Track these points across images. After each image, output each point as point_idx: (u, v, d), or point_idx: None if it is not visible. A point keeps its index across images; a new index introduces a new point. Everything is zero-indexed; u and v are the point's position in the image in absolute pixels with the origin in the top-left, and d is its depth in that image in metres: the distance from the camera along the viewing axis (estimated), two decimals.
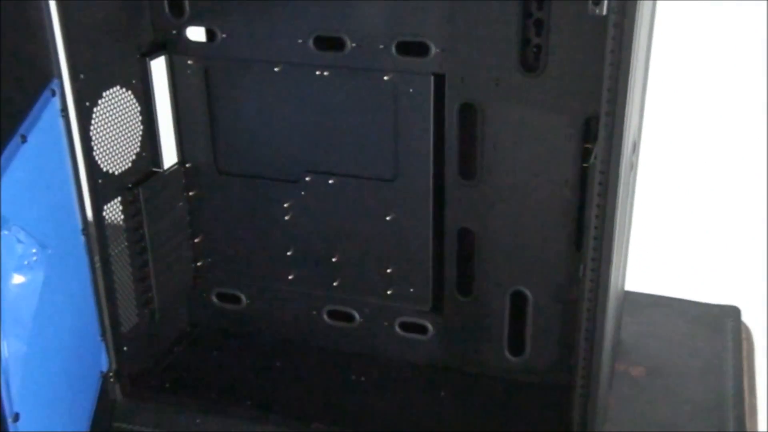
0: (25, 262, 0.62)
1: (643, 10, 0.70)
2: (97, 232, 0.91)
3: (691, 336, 1.09)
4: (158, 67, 0.97)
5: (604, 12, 0.67)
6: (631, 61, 0.68)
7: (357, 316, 1.04)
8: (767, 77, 1.22)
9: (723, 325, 1.11)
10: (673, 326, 1.11)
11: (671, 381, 1.01)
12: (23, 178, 0.69)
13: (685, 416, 0.95)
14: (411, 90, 0.91)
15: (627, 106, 0.70)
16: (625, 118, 0.70)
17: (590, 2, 0.67)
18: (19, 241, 0.61)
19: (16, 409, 0.61)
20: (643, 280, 1.19)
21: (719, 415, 0.95)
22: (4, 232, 0.59)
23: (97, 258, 0.91)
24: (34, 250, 0.63)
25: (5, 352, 0.59)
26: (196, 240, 1.07)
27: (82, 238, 0.88)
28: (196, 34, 0.97)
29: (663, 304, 1.16)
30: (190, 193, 1.05)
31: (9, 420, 0.61)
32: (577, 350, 0.82)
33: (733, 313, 1.13)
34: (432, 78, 0.90)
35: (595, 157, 0.74)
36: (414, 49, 0.90)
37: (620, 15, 0.67)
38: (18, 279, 0.61)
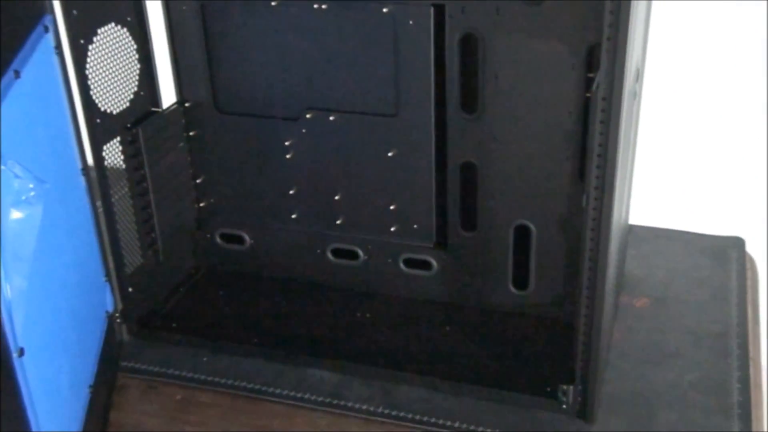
0: (23, 198, 0.62)
1: None
2: (98, 172, 0.91)
3: (695, 267, 1.09)
4: (153, 4, 0.96)
5: None
6: None
7: (361, 253, 1.04)
8: None
9: (727, 255, 1.10)
10: (677, 258, 1.11)
11: (675, 311, 1.01)
12: (18, 114, 0.68)
13: (688, 345, 0.95)
14: (410, 22, 0.89)
15: (629, 32, 0.68)
16: (628, 45, 0.68)
17: None
18: (16, 176, 0.60)
19: (20, 344, 0.62)
20: (648, 214, 1.19)
21: (723, 343, 0.95)
22: (2, 167, 0.59)
23: (98, 198, 0.91)
24: (31, 185, 0.63)
25: (7, 288, 0.59)
26: (197, 181, 1.07)
27: (82, 179, 0.87)
28: None
29: (667, 237, 1.16)
30: (191, 133, 1.04)
31: (14, 354, 0.61)
32: (581, 281, 0.82)
33: (738, 243, 1.12)
34: (432, 8, 0.88)
35: (597, 86, 0.73)
36: None
37: None
38: (16, 214, 0.61)
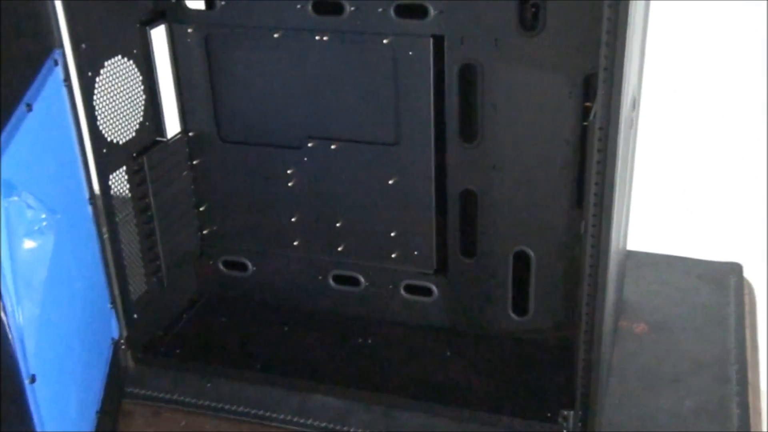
0: (36, 228, 0.63)
1: None
2: (104, 201, 0.93)
3: (693, 292, 1.10)
4: (159, 36, 0.98)
5: None
6: (629, 16, 0.68)
7: (362, 280, 1.05)
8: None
9: (725, 281, 1.12)
10: (675, 284, 1.12)
11: (674, 336, 1.02)
12: (30, 146, 0.69)
13: (688, 370, 0.96)
14: (410, 53, 0.91)
15: (625, 61, 0.70)
16: (624, 74, 0.70)
17: None
18: (29, 207, 0.62)
19: (32, 371, 0.63)
20: (647, 240, 1.20)
21: (722, 369, 0.96)
22: (14, 199, 0.60)
23: (104, 227, 0.93)
24: (43, 216, 0.64)
25: (20, 317, 0.61)
26: (201, 208, 1.08)
27: (90, 207, 0.89)
28: (195, 2, 0.98)
29: (666, 263, 1.17)
30: (194, 162, 1.06)
31: (26, 381, 0.63)
32: (580, 307, 0.83)
33: (736, 269, 1.14)
34: (431, 40, 0.90)
35: (594, 115, 0.75)
36: (413, 11, 0.90)
37: None
38: (29, 244, 0.62)
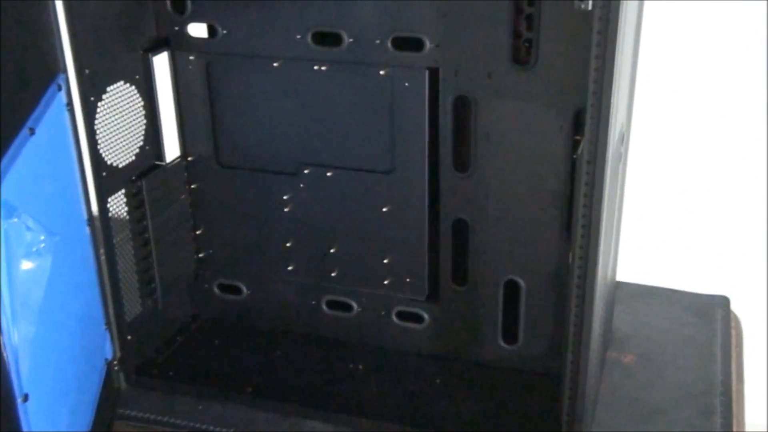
0: (34, 249, 0.65)
1: (628, 5, 0.72)
2: (102, 223, 0.94)
3: (681, 324, 1.12)
4: (160, 63, 1.00)
5: (590, 7, 0.70)
6: (616, 54, 0.70)
7: (355, 305, 1.07)
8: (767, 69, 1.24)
9: (713, 314, 1.13)
10: (664, 315, 1.14)
11: (661, 367, 1.04)
12: (31, 169, 0.71)
13: (674, 401, 0.97)
14: (406, 84, 0.93)
15: (612, 98, 0.72)
16: (611, 111, 0.72)
17: None
18: (28, 229, 0.63)
19: (25, 389, 0.64)
20: (637, 271, 1.22)
21: (707, 401, 0.97)
22: (14, 220, 0.62)
23: (101, 249, 0.94)
24: (42, 237, 0.66)
25: (15, 336, 0.62)
26: (197, 232, 1.10)
27: (87, 229, 0.90)
28: (197, 30, 1.00)
29: (655, 294, 1.18)
30: (192, 186, 1.07)
31: (19, 400, 0.64)
32: (567, 336, 0.84)
33: (723, 302, 1.15)
34: (426, 72, 0.92)
35: (582, 149, 0.77)
36: (409, 44, 0.92)
37: (605, 9, 0.69)
38: (27, 265, 0.64)
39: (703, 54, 1.26)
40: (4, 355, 0.61)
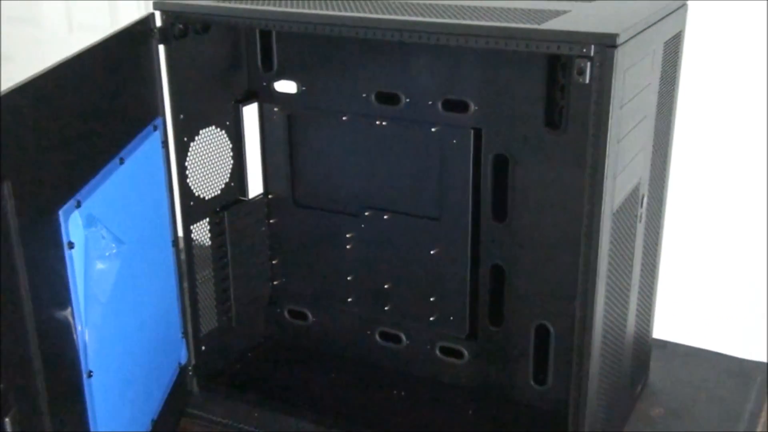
0: (107, 254, 0.80)
1: (627, 75, 0.81)
2: (186, 246, 1.10)
3: (716, 385, 1.15)
4: (249, 112, 1.16)
5: (587, 81, 0.79)
6: (609, 125, 0.79)
7: (404, 338, 1.18)
8: None
9: (751, 378, 1.16)
10: (701, 375, 1.18)
11: (687, 423, 1.08)
12: (121, 192, 0.88)
13: None
14: (454, 141, 1.05)
15: (606, 167, 0.81)
16: (606, 178, 0.81)
17: (575, 72, 0.79)
18: (103, 237, 0.79)
19: (90, 367, 0.79)
20: (684, 333, 1.26)
21: None
22: (93, 229, 0.78)
23: (185, 267, 1.10)
24: (113, 245, 0.81)
25: (84, 321, 0.77)
26: (274, 261, 1.24)
27: (172, 249, 1.06)
28: (282, 86, 1.16)
29: (699, 356, 1.22)
30: (271, 221, 1.22)
31: (84, 375, 0.79)
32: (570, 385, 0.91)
33: (763, 368, 1.18)
34: (472, 131, 1.03)
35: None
36: (457, 106, 1.04)
37: (599, 83, 0.79)
38: (99, 265, 0.79)
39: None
40: (75, 335, 0.77)
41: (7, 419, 0.67)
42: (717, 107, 1.31)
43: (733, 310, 1.35)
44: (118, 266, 0.82)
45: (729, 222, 1.33)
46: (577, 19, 0.86)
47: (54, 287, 0.75)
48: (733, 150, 1.32)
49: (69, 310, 0.77)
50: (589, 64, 0.78)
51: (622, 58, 0.79)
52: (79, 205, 0.78)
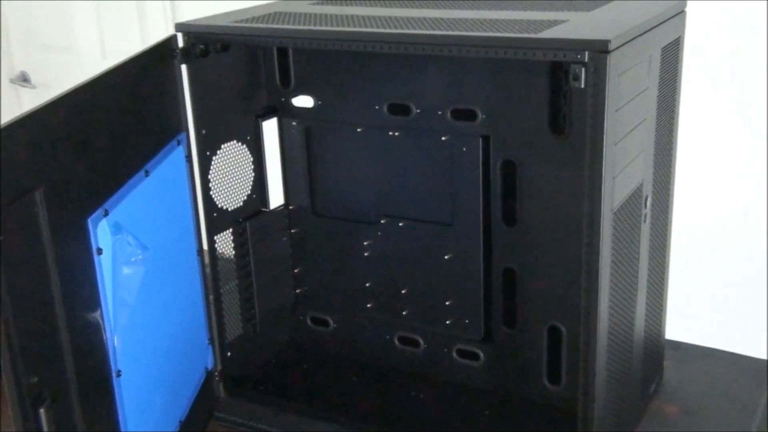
0: (132, 260, 0.86)
1: (622, 79, 0.85)
2: (210, 255, 1.15)
3: (733, 384, 1.17)
4: (268, 126, 1.21)
5: (582, 86, 0.83)
6: (605, 127, 0.83)
7: (422, 342, 1.21)
8: None
9: (766, 377, 1.17)
10: (718, 374, 1.20)
11: (701, 422, 1.10)
12: (146, 202, 0.93)
13: None
14: (464, 149, 1.09)
15: (604, 168, 0.84)
16: (603, 179, 0.85)
17: (571, 77, 0.83)
18: (129, 244, 0.84)
19: (119, 366, 0.84)
20: (703, 334, 1.28)
21: None
22: (119, 236, 0.83)
23: (210, 275, 1.15)
24: (139, 252, 0.87)
25: (112, 322, 0.83)
26: (296, 270, 1.29)
27: (198, 259, 1.12)
28: (299, 101, 1.21)
29: (713, 355, 1.24)
30: (293, 231, 1.27)
31: (113, 375, 0.84)
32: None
33: None
34: (480, 139, 1.08)
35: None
36: (465, 114, 1.08)
37: (594, 87, 0.82)
38: (126, 270, 0.85)
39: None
40: (104, 335, 0.82)
41: (41, 410, 0.72)
42: (720, 108, 1.34)
43: (748, 310, 1.36)
44: (144, 271, 0.87)
45: (742, 223, 1.35)
46: (574, 28, 0.90)
47: (84, 290, 0.81)
48: (745, 150, 1.34)
49: (98, 311, 0.82)
50: (583, 69, 0.82)
51: (615, 63, 0.83)
52: (106, 213, 0.83)
